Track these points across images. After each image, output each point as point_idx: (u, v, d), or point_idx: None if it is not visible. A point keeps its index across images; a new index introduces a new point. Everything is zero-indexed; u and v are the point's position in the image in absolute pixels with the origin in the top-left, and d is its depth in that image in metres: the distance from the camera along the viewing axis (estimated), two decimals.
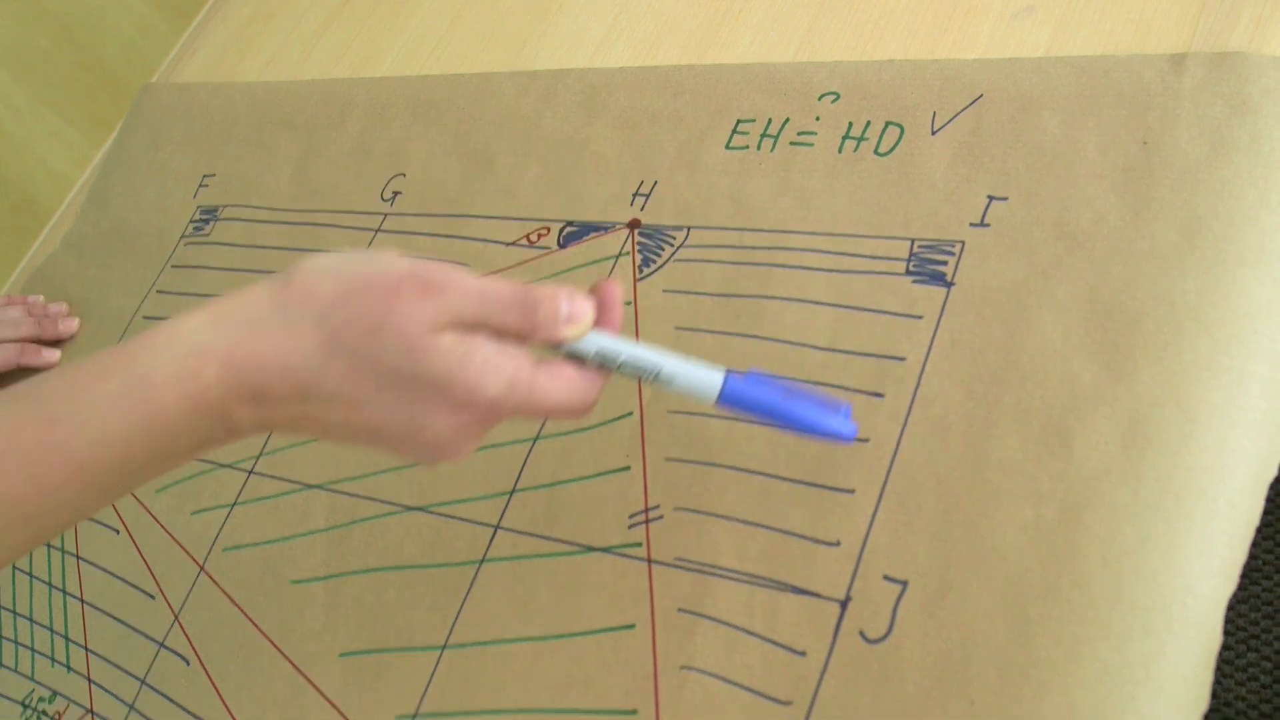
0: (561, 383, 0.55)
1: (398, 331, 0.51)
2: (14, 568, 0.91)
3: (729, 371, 0.57)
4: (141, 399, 0.51)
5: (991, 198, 0.68)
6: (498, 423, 0.55)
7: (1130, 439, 0.58)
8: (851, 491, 0.63)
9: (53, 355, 1.01)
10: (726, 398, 0.57)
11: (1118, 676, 0.54)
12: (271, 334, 0.52)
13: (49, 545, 0.90)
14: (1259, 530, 0.66)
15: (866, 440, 0.64)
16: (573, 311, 0.55)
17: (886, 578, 0.60)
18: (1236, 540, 0.56)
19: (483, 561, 0.71)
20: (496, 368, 0.52)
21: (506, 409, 0.54)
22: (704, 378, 0.57)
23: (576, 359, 0.56)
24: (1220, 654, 0.63)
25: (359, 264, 0.53)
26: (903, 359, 0.65)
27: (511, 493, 0.72)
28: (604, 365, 0.57)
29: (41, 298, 1.05)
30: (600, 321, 0.57)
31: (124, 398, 0.51)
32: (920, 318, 0.66)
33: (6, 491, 0.50)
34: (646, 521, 0.67)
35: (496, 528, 0.72)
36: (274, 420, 0.54)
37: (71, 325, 1.02)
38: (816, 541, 0.62)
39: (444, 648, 0.70)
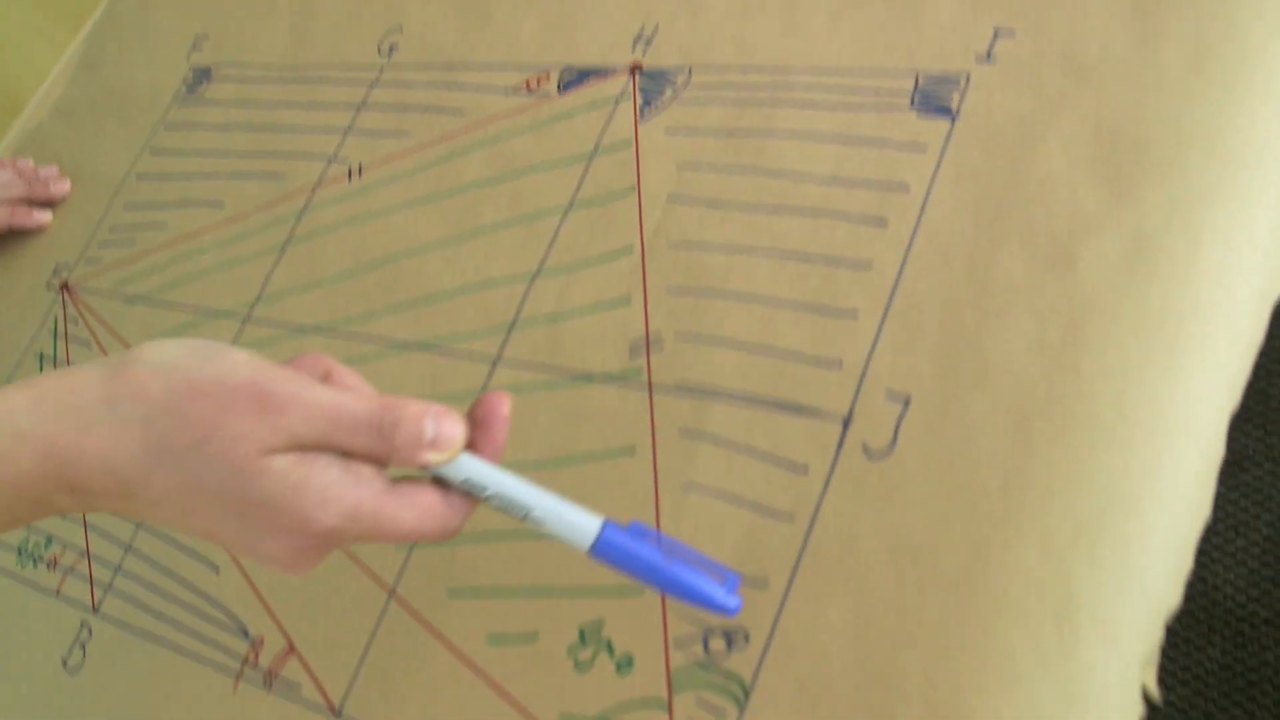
0: (417, 512, 0.49)
1: (224, 450, 0.46)
2: None
3: (607, 521, 0.51)
4: None
5: (998, 31, 0.67)
6: (345, 545, 0.50)
7: (1135, 258, 0.58)
8: (854, 314, 0.63)
9: (44, 217, 1.00)
10: (600, 549, 0.51)
11: (1121, 484, 0.54)
12: (96, 429, 0.47)
13: None
14: (1248, 419, 0.67)
15: (869, 266, 0.64)
16: (439, 436, 0.49)
17: (889, 395, 0.60)
18: (1238, 358, 0.57)
19: (483, 392, 0.71)
20: (335, 498, 0.47)
21: (348, 538, 0.49)
22: (579, 524, 0.51)
23: (442, 482, 0.51)
24: (1209, 539, 0.64)
25: (197, 362, 0.48)
26: (906, 188, 0.65)
27: (511, 327, 0.72)
28: (471, 494, 0.51)
29: (31, 161, 1.04)
30: (478, 443, 0.51)
31: None
32: (925, 149, 0.66)
33: None
34: (647, 350, 0.67)
35: (496, 361, 0.72)
36: (97, 508, 0.50)
37: (63, 187, 1.01)
38: (818, 363, 0.62)
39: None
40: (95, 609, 0.78)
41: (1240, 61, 0.61)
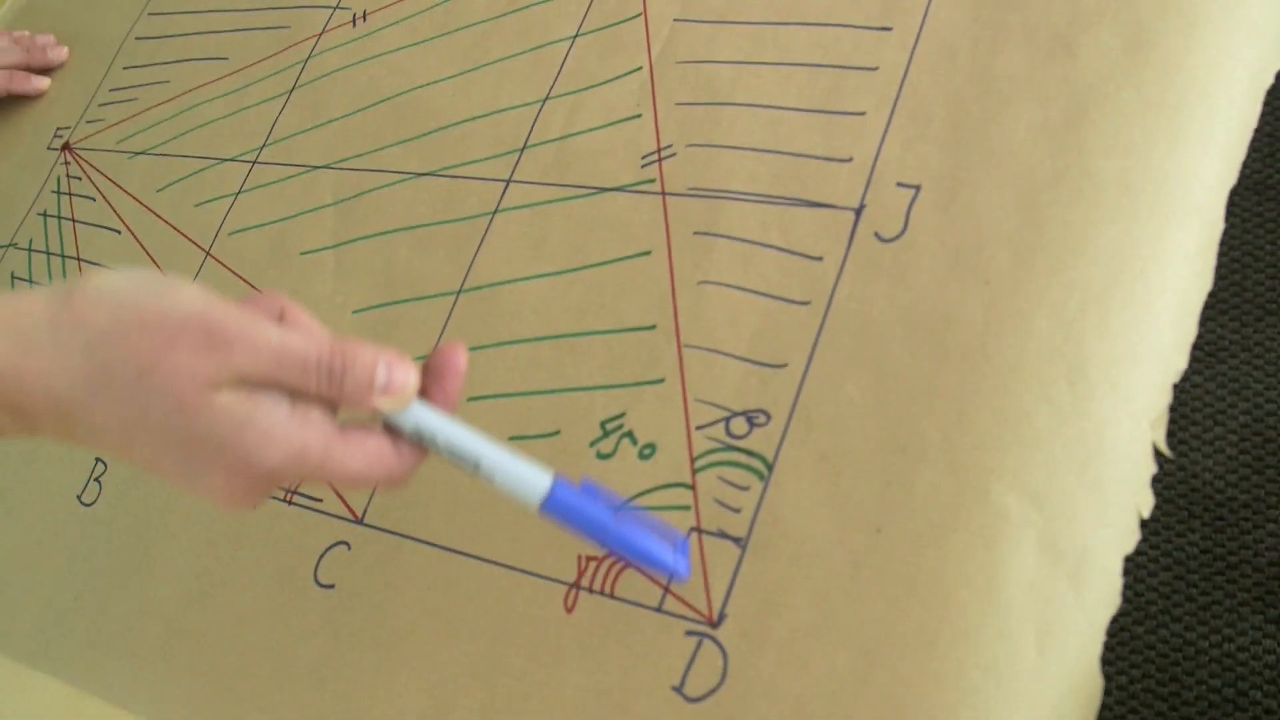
0: (364, 457, 0.48)
1: (166, 384, 0.45)
2: (13, 278, 0.91)
3: (558, 478, 0.50)
4: None
5: None
6: (289, 485, 0.50)
7: (1134, 44, 0.60)
8: (862, 113, 0.65)
9: (42, 83, 1.01)
10: (551, 505, 0.49)
11: (1126, 254, 0.56)
12: (38, 353, 0.46)
13: (48, 254, 0.90)
14: (1224, 311, 0.69)
15: (875, 69, 0.65)
16: (391, 382, 0.48)
17: (899, 184, 0.62)
18: (1235, 136, 0.59)
19: (495, 212, 0.72)
20: (281, 438, 0.46)
21: (291, 478, 0.48)
22: (529, 479, 0.49)
23: (392, 429, 0.50)
24: (1187, 428, 0.66)
25: (144, 295, 0.46)
26: None
27: (522, 149, 0.74)
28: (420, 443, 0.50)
29: (27, 31, 1.04)
30: (431, 393, 0.50)
31: None
32: None
33: None
34: (659, 159, 0.69)
35: (509, 181, 0.73)
36: (40, 433, 0.48)
37: (61, 53, 1.02)
38: (829, 159, 0.64)
39: (459, 292, 0.71)
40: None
41: None
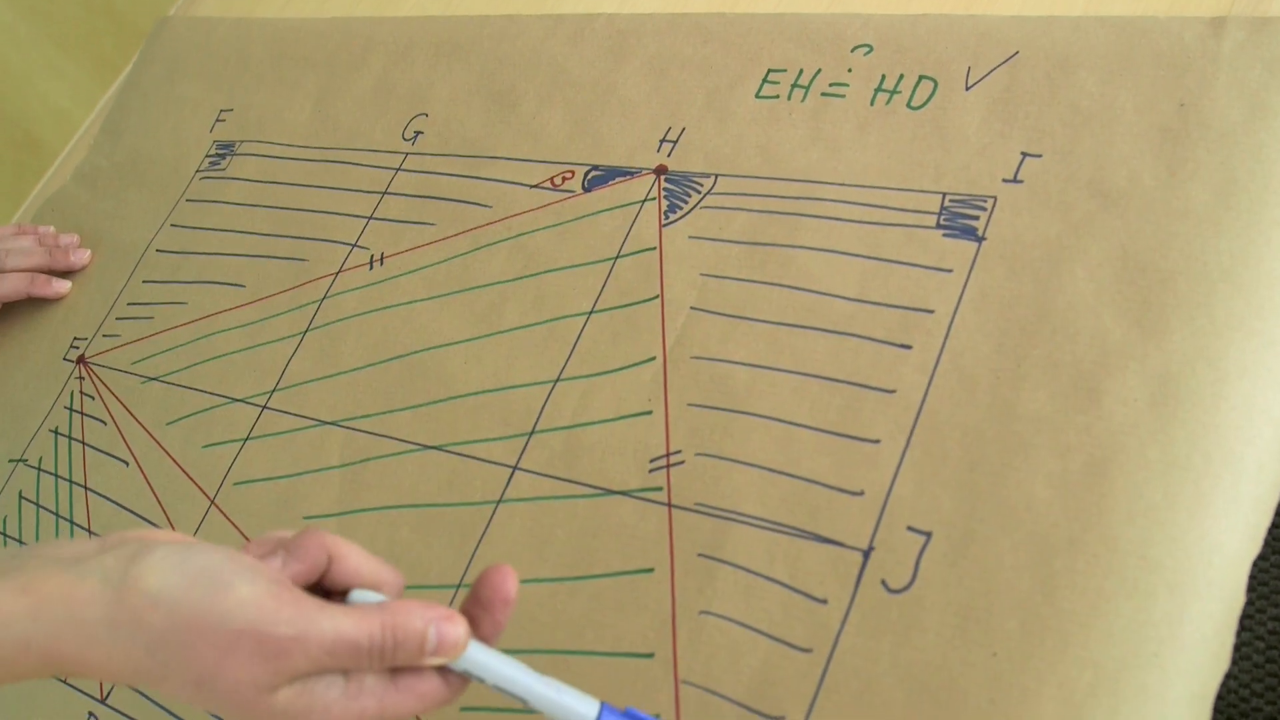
0: (417, 700, 0.52)
1: (227, 690, 0.48)
2: (21, 498, 0.90)
3: (604, 706, 0.52)
4: None
5: (1025, 154, 0.67)
6: None
7: (1160, 396, 0.58)
8: (877, 441, 0.63)
9: (63, 286, 1.01)
10: None
11: (1141, 633, 0.54)
12: (99, 646, 0.48)
13: (57, 476, 0.90)
14: None
15: (893, 391, 0.64)
16: (442, 642, 0.51)
17: (910, 528, 0.60)
18: (1262, 502, 0.57)
19: (500, 502, 0.71)
20: (338, 717, 0.50)
21: None
22: (577, 709, 0.52)
23: (442, 667, 0.52)
24: None
25: (199, 598, 0.48)
26: (931, 311, 0.65)
27: (531, 434, 0.72)
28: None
29: (53, 228, 1.04)
30: (479, 624, 0.53)
31: None
32: (950, 271, 0.66)
33: None
34: (668, 466, 0.67)
35: (515, 468, 0.72)
36: None
37: (83, 256, 1.02)
38: (840, 490, 0.62)
39: (459, 586, 0.69)
40: (103, 700, 0.78)
41: (1267, 193, 0.61)
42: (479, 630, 0.53)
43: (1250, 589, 0.69)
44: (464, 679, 0.53)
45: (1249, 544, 0.56)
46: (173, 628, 0.48)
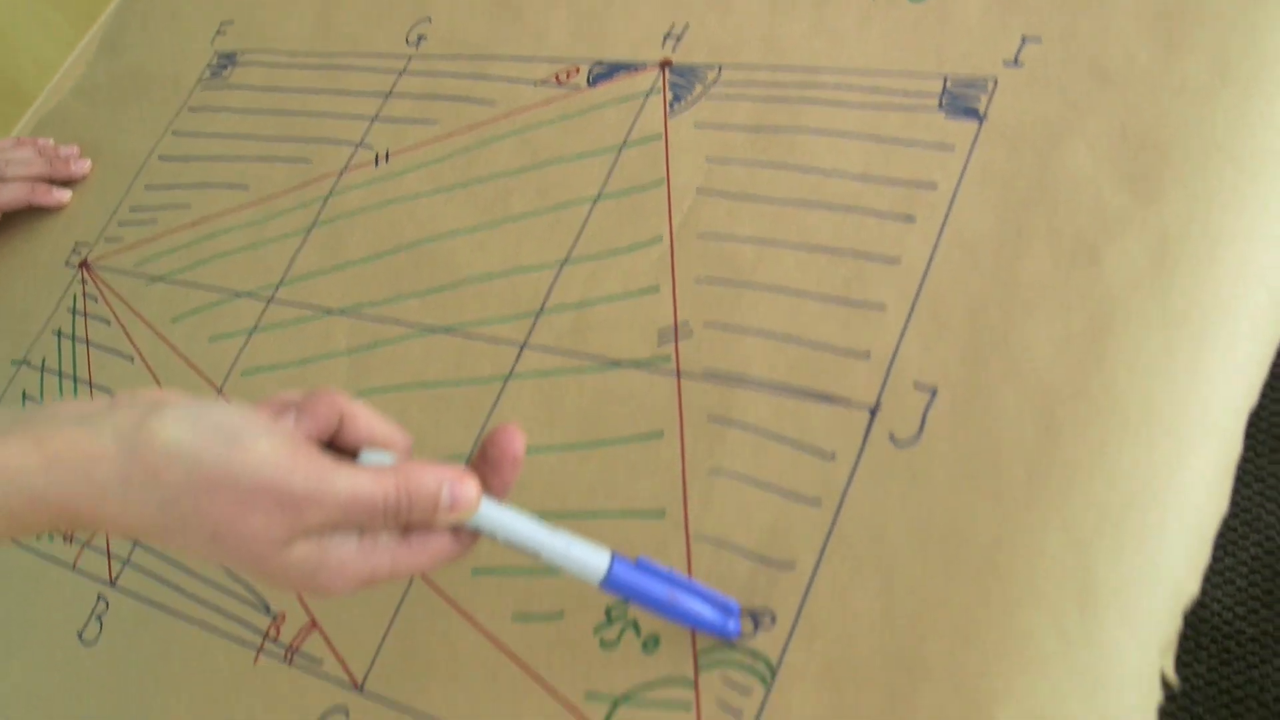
0: (428, 557, 0.53)
1: (242, 544, 0.49)
2: (25, 396, 0.91)
3: (615, 555, 0.55)
4: None
5: (1025, 38, 0.69)
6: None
7: (1158, 257, 0.60)
8: (882, 307, 0.64)
9: (64, 195, 1.01)
10: (610, 582, 0.55)
11: (1143, 476, 0.55)
12: (112, 501, 0.48)
13: (60, 375, 0.90)
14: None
15: (897, 260, 0.65)
16: (455, 499, 0.52)
17: (917, 385, 0.61)
18: (1257, 356, 0.58)
19: (509, 378, 0.72)
20: (351, 573, 0.51)
21: (364, 590, 0.53)
22: (589, 560, 0.54)
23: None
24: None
25: (214, 452, 0.48)
26: (934, 186, 0.67)
27: (539, 313, 0.73)
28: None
29: (52, 140, 1.05)
30: (488, 482, 0.55)
31: None
32: (952, 148, 0.67)
33: None
34: (676, 337, 0.69)
35: (523, 346, 0.73)
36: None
37: (84, 166, 1.02)
38: (846, 353, 0.64)
39: (468, 459, 0.70)
40: (112, 582, 0.79)
41: (1262, 69, 0.63)
42: (488, 488, 0.54)
43: (1233, 515, 0.71)
44: (474, 535, 0.54)
45: (1245, 395, 0.58)
46: (189, 483, 0.48)
